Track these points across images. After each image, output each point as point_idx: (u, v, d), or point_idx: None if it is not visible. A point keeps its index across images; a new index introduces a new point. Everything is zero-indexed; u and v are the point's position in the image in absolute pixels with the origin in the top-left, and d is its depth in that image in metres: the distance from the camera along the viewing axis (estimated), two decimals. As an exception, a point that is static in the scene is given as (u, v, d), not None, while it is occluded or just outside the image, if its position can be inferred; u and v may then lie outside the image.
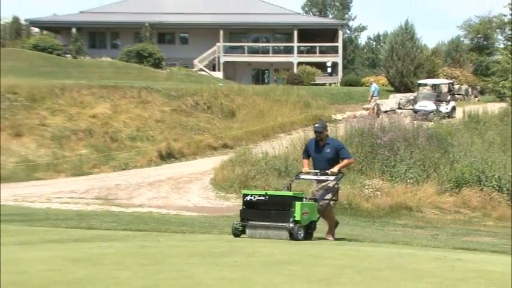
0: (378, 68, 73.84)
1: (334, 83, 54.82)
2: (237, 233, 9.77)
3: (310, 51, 60.34)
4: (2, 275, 6.33)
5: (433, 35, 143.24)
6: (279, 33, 62.82)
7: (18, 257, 7.38)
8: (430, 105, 35.63)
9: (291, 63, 57.52)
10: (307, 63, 56.04)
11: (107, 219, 14.35)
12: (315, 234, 10.69)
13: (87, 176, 25.88)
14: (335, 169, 10.92)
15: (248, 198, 9.84)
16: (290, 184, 11.15)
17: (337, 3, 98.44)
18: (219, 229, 12.63)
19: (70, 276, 6.30)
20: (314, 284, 6.05)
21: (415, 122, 29.01)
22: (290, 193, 9.97)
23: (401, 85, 45.31)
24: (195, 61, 56.61)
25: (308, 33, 60.31)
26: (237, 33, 61.59)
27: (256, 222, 9.64)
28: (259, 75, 60.63)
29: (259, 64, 60.32)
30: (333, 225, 11.30)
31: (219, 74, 55.09)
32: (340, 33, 62.28)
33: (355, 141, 24.73)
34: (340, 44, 60.47)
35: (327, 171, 10.90)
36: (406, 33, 47.19)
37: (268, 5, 65.22)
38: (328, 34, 61.44)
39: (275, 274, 6.53)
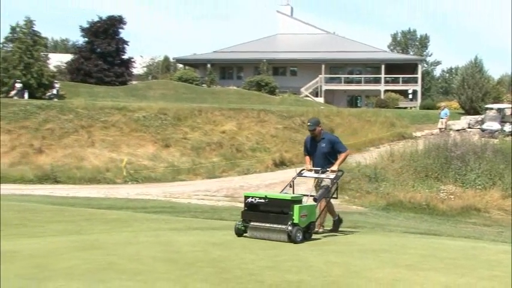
0: (450, 95, 71.69)
1: (414, 107, 53.53)
2: (240, 232, 8.06)
3: (395, 81, 59.13)
4: (160, 254, 6.54)
5: (498, 68, 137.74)
6: (369, 66, 62.01)
7: (171, 240, 7.58)
8: (495, 125, 34.33)
9: (379, 90, 56.59)
10: (392, 91, 55.02)
11: (234, 213, 14.39)
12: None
13: (217, 178, 26.19)
14: (335, 167, 9.00)
15: (249, 200, 8.09)
16: (293, 181, 8.93)
17: (417, 43, 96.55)
18: (321, 222, 12.49)
19: (209, 256, 6.43)
20: (402, 269, 5.93)
21: (482, 139, 27.96)
22: (288, 196, 8.03)
23: (471, 109, 43.75)
24: (302, 89, 56.61)
25: (393, 67, 59.26)
26: (336, 67, 61.15)
27: (257, 224, 7.94)
28: (352, 100, 59.93)
29: (353, 91, 59.69)
30: (325, 216, 9.38)
31: (320, 99, 54.83)
32: (419, 66, 60.89)
33: (432, 154, 24.08)
34: (419, 75, 59.09)
35: (327, 169, 9.01)
36: (476, 66, 45.65)
37: (360, 44, 64.50)
38: (409, 67, 60.20)
39: (369, 260, 6.45)
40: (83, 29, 52.30)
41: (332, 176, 8.90)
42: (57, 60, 52.11)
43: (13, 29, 40.34)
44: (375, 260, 6.42)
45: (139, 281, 5.18)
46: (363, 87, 59.10)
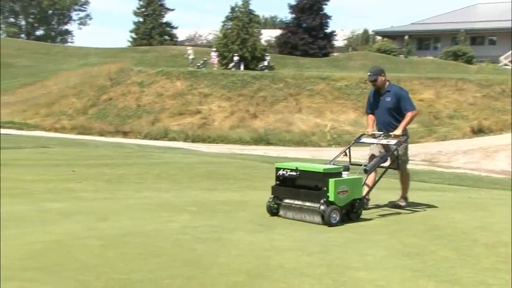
0: None
1: None
2: (273, 211, 6.13)
3: None
4: (373, 209, 6.52)
5: None
6: None
7: (379, 198, 7.50)
8: None
9: None
10: None
11: (433, 176, 13.96)
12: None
13: (415, 144, 25.37)
14: (398, 131, 6.75)
15: (280, 173, 6.12)
16: (349, 148, 6.78)
17: None
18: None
19: (419, 214, 6.31)
20: None
21: None
22: (321, 168, 5.92)
23: None
24: (501, 58, 52.26)
25: None
26: (539, 34, 55.47)
27: (290, 202, 6.01)
28: (556, 68, 54.08)
29: (557, 59, 53.75)
30: (406, 189, 7.25)
31: (521, 68, 50.30)
32: None
33: None
34: None
35: (390, 133, 6.81)
36: None
37: None
38: None
39: None
40: (290, 6, 53.44)
41: (393, 141, 6.73)
42: (267, 35, 53.81)
43: (232, 9, 42.49)
44: None
45: (360, 233, 5.24)
46: None
